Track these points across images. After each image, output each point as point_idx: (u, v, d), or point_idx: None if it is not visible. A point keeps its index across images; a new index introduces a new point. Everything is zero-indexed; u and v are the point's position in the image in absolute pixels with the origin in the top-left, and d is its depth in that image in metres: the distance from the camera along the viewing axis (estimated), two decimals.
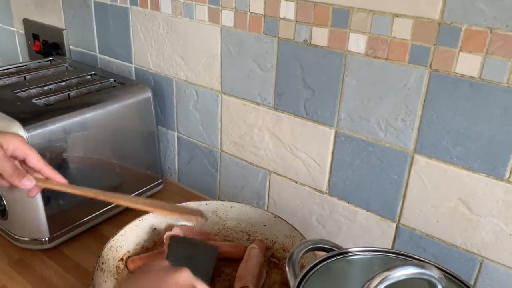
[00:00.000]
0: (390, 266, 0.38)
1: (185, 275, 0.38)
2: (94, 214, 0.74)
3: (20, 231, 0.68)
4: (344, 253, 0.46)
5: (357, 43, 0.57)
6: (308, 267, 0.44)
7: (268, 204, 0.76)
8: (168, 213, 0.55)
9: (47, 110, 0.67)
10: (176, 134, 0.86)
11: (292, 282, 0.43)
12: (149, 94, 0.78)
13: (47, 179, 0.55)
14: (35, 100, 0.70)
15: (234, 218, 0.66)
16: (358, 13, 0.55)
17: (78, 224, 0.72)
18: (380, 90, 0.57)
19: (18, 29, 1.09)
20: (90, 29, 0.91)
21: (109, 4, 0.85)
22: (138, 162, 0.81)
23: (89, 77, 0.83)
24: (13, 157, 0.54)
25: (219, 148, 0.79)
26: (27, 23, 1.05)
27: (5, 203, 0.67)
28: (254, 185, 0.77)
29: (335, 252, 0.46)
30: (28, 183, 0.52)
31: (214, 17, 0.70)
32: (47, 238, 0.68)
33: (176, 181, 0.89)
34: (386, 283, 0.37)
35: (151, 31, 0.81)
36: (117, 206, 0.75)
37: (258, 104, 0.71)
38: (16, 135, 0.55)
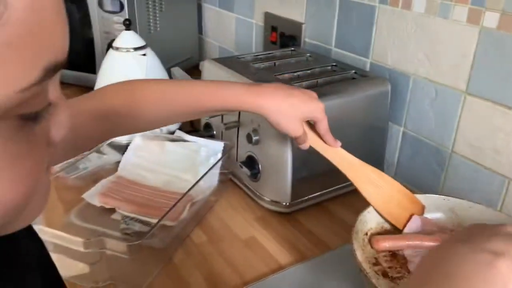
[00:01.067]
0: None
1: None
2: (326, 190, 0.81)
3: (267, 193, 0.80)
4: None
5: None
6: None
7: None
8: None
9: None
10: (402, 129, 0.89)
11: None
12: (388, 88, 0.83)
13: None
14: (293, 83, 0.80)
15: (473, 219, 0.66)
16: None
17: (313, 197, 0.80)
18: None
19: (257, 21, 1.25)
20: (330, 24, 1.00)
21: (356, 2, 0.92)
22: (362, 153, 0.86)
23: (329, 67, 0.91)
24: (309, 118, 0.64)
25: (450, 148, 0.80)
26: (268, 16, 1.19)
27: (260, 167, 0.79)
28: (485, 191, 0.75)
29: None
30: (304, 146, 0.66)
31: (474, 18, 0.71)
32: (287, 203, 0.78)
33: (393, 174, 0.92)
34: None
35: (396, 28, 0.85)
36: (347, 186, 0.81)
37: (510, 108, 0.69)
38: (320, 105, 0.64)
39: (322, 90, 0.80)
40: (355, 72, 0.87)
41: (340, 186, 0.83)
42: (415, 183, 0.88)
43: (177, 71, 1.27)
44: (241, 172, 0.84)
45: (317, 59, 0.95)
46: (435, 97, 0.80)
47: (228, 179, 0.88)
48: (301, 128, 0.63)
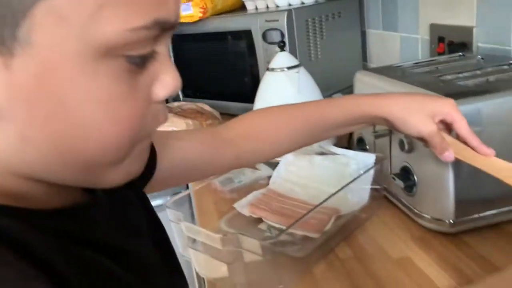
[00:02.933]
0: None
1: None
2: (503, 210, 0.66)
3: (425, 209, 0.69)
4: None
5: None
6: None
7: None
8: None
9: (471, 90, 0.65)
10: None
11: None
12: None
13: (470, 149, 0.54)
14: (459, 82, 0.70)
15: None
16: None
17: (486, 216, 0.66)
18: None
19: (422, 35, 1.15)
20: (507, 22, 0.85)
21: None
22: None
23: (506, 66, 0.77)
24: (441, 121, 0.55)
25: None
26: (433, 27, 1.09)
27: (415, 178, 0.69)
28: None
29: None
30: (448, 156, 0.54)
31: None
32: (451, 221, 0.66)
33: None
34: None
35: None
36: None
37: None
38: (449, 100, 0.55)
39: (491, 85, 0.68)
40: None
41: None
42: None
43: (338, 96, 1.25)
44: (395, 187, 0.75)
45: (489, 60, 0.82)
46: None
47: (381, 195, 0.79)
48: (433, 124, 0.54)
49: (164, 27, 0.28)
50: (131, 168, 0.32)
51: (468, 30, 0.97)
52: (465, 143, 0.55)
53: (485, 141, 0.57)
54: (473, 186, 0.65)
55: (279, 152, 0.65)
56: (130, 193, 0.42)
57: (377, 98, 0.56)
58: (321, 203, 0.67)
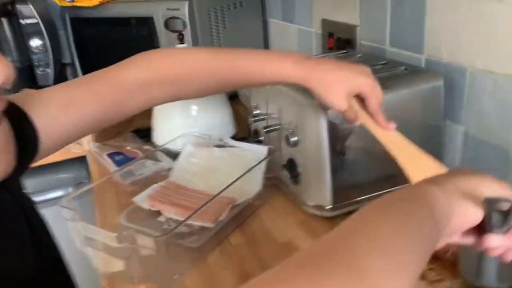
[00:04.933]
0: None
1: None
2: (374, 194, 0.76)
3: (308, 197, 0.77)
4: None
5: None
6: None
7: None
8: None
9: None
10: (461, 128, 0.80)
11: None
12: (440, 82, 0.76)
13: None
14: None
15: None
16: None
17: (358, 201, 0.76)
18: None
19: (316, 29, 1.24)
20: (383, 23, 0.95)
21: None
22: None
23: (379, 66, 0.86)
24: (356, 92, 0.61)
25: None
26: (324, 23, 1.17)
27: (299, 170, 0.77)
28: None
29: None
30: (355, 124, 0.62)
31: None
32: (330, 207, 0.75)
33: None
34: None
35: (449, 18, 0.78)
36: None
37: None
38: (367, 78, 0.61)
39: None
40: (405, 69, 0.81)
41: (389, 190, 0.77)
42: None
43: None
44: (285, 177, 0.82)
45: (368, 59, 0.91)
46: (494, 91, 0.72)
47: (273, 184, 0.86)
48: (345, 102, 0.59)
49: None
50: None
51: (352, 28, 1.06)
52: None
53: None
54: (348, 175, 0.74)
55: (189, 96, 0.67)
56: (9, 197, 0.43)
57: (302, 71, 0.59)
58: (217, 194, 0.72)
